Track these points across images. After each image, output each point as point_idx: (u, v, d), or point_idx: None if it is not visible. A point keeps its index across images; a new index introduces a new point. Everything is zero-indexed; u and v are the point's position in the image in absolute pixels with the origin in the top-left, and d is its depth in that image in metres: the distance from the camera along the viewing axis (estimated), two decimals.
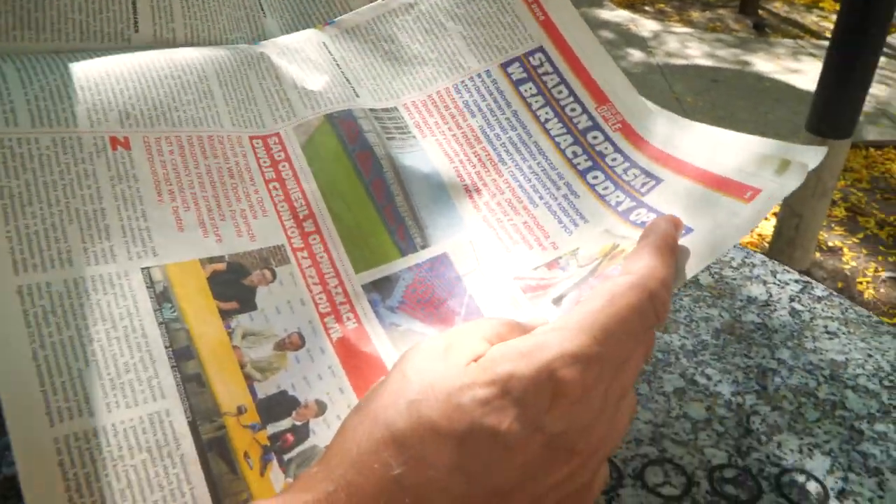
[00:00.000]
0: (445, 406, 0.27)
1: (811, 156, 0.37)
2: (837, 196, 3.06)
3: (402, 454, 0.27)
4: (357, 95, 0.46)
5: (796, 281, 0.57)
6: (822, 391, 0.46)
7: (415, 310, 0.39)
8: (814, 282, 0.57)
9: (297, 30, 0.49)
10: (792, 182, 0.36)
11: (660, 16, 5.43)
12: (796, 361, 0.48)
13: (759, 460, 0.41)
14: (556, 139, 0.45)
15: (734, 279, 0.57)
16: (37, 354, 0.32)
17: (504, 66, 0.48)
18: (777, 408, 0.45)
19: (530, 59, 0.48)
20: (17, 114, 0.38)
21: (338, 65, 0.47)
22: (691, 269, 0.34)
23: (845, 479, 0.40)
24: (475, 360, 0.29)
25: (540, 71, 0.48)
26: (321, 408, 0.36)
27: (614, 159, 0.43)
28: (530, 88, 0.47)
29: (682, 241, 0.35)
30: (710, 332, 0.51)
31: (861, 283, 2.58)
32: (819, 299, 0.55)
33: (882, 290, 2.54)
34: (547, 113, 0.46)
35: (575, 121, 0.46)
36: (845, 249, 2.77)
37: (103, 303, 0.35)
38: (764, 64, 4.59)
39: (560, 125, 0.46)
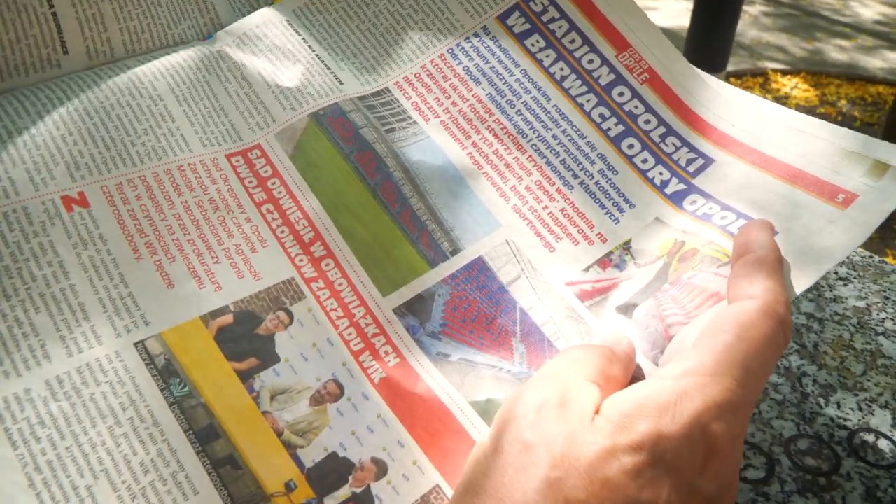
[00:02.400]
0: (590, 483, 0.23)
1: None
2: None
3: None
4: (341, 83, 0.39)
5: None
6: (858, 342, 0.45)
7: (462, 333, 0.34)
8: None
9: (251, 6, 0.42)
10: (893, 191, 0.32)
11: None
12: (823, 313, 0.47)
13: (825, 425, 0.40)
14: (578, 100, 0.39)
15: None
16: (33, 480, 0.26)
17: (502, 17, 0.41)
18: (823, 366, 0.43)
19: (530, 4, 0.42)
20: None
21: (310, 47, 0.40)
22: (798, 285, 0.30)
23: None
24: (597, 413, 0.25)
25: (545, 18, 0.41)
26: (381, 467, 0.30)
27: (647, 121, 0.39)
28: (537, 42, 0.41)
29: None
30: None
31: None
32: None
33: None
34: (562, 69, 0.40)
35: (595, 75, 0.40)
36: None
37: (98, 396, 0.28)
38: None
39: (579, 82, 0.40)
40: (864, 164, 0.33)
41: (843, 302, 0.48)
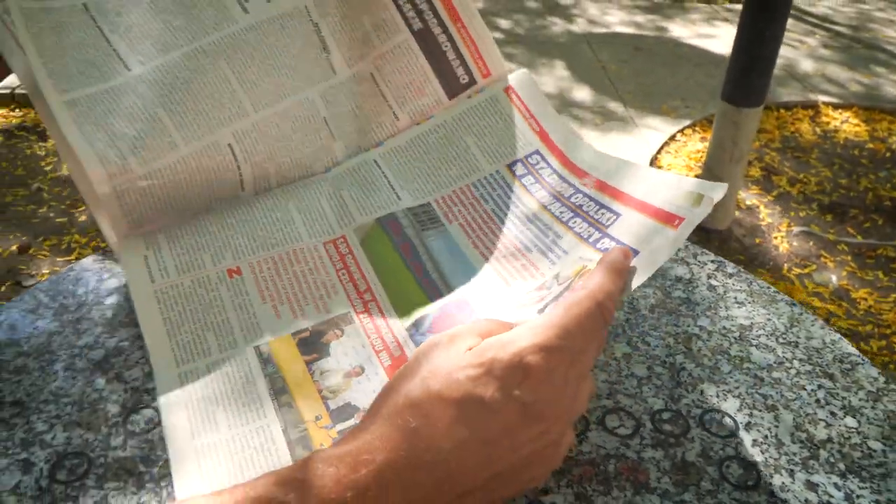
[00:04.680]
0: (446, 380, 0.39)
1: (717, 191, 0.49)
2: (753, 157, 3.28)
3: (417, 413, 0.39)
4: (399, 199, 0.61)
5: (712, 261, 0.71)
6: (734, 349, 0.60)
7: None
8: (726, 261, 0.71)
9: (359, 148, 0.64)
10: (703, 212, 0.49)
11: None
12: (714, 327, 0.62)
13: (687, 404, 0.55)
14: (549, 208, 0.59)
15: (665, 262, 0.70)
16: (191, 417, 0.48)
17: (510, 166, 0.62)
18: (699, 364, 0.58)
19: (529, 159, 0.62)
20: (168, 269, 0.54)
21: (385, 176, 0.62)
22: (638, 280, 0.46)
23: (750, 415, 0.54)
24: (470, 349, 0.41)
25: (538, 168, 0.62)
26: None
27: (590, 206, 0.57)
28: (529, 179, 0.61)
29: (632, 262, 0.47)
30: (647, 307, 0.65)
31: (776, 237, 2.80)
32: (730, 275, 0.69)
33: (794, 244, 2.76)
34: (540, 192, 0.60)
35: (565, 193, 0.59)
36: (761, 207, 2.98)
37: (231, 373, 0.50)
38: (680, 30, 4.78)
39: (551, 197, 0.59)
40: (691, 197, 0.50)
41: (733, 320, 0.63)
